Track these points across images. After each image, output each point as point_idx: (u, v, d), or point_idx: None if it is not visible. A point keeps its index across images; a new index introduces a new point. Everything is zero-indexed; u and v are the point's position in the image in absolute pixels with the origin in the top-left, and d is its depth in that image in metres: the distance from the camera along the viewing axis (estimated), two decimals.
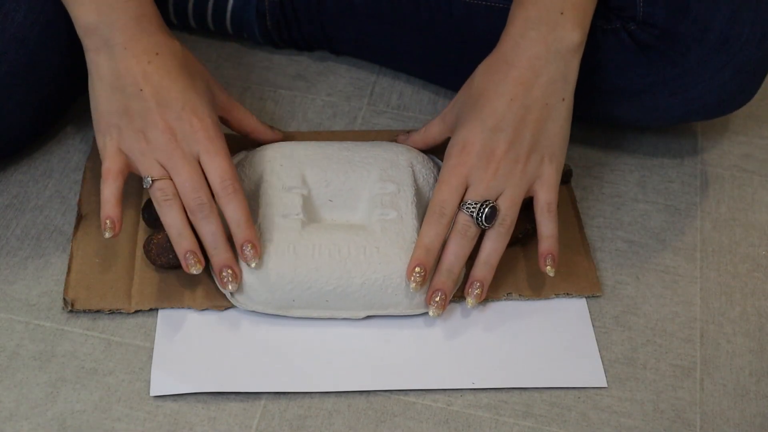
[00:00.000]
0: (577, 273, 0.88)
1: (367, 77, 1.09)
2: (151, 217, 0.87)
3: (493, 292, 0.86)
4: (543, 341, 0.84)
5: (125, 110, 0.82)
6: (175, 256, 0.84)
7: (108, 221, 0.80)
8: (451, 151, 0.85)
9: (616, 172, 1.00)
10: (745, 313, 0.88)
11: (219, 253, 0.81)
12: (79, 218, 0.90)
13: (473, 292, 0.83)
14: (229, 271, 0.81)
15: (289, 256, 0.82)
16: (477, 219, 0.82)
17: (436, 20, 0.99)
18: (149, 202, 0.87)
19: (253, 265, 0.81)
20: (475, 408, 0.79)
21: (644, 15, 0.89)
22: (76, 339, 0.82)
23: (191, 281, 0.85)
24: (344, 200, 0.88)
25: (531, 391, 0.81)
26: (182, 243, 0.81)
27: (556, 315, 0.86)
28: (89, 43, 0.83)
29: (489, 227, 0.82)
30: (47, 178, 0.95)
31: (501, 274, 0.87)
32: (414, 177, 0.89)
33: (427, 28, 1.00)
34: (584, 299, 0.87)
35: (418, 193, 0.88)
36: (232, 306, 0.84)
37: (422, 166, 0.90)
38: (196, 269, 0.81)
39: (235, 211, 0.81)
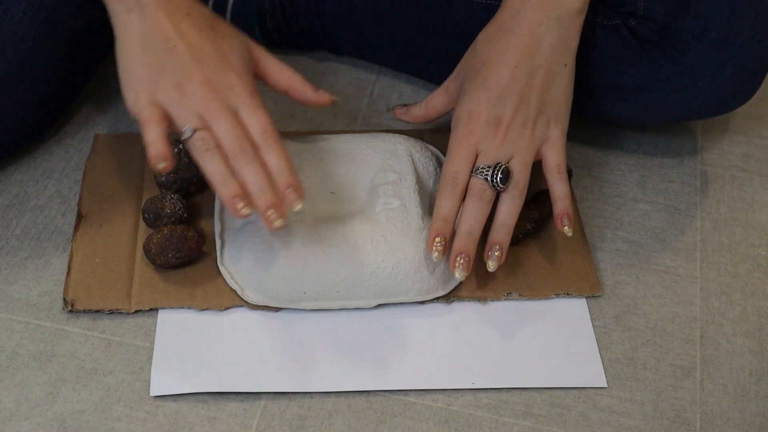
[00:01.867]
0: (577, 273, 0.88)
1: (367, 77, 1.09)
2: (151, 217, 0.87)
3: (493, 292, 0.86)
4: (543, 341, 0.84)
5: (159, 66, 0.80)
6: (175, 256, 0.84)
7: (161, 162, 0.77)
8: (458, 122, 0.85)
9: (616, 172, 1.00)
10: (745, 313, 0.88)
11: (264, 195, 0.78)
12: (79, 218, 0.90)
13: (493, 254, 0.84)
14: (274, 211, 0.79)
15: (298, 250, 0.82)
16: (492, 181, 0.83)
17: (436, 20, 0.99)
18: (149, 202, 0.87)
19: (297, 207, 0.78)
20: (475, 408, 0.79)
21: (644, 10, 0.90)
22: (76, 339, 0.82)
23: (191, 281, 0.85)
24: (346, 192, 0.89)
25: (531, 391, 0.81)
26: (228, 189, 0.78)
27: (556, 315, 0.86)
28: (118, 6, 0.81)
29: (503, 189, 0.83)
30: (47, 178, 0.95)
31: (501, 274, 0.87)
32: (414, 165, 0.89)
33: (427, 27, 1.00)
34: (584, 299, 0.87)
35: (419, 181, 0.89)
36: (232, 306, 0.84)
37: (421, 154, 0.91)
38: (247, 209, 0.78)
39: (277, 160, 0.79)
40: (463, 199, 0.84)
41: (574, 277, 0.88)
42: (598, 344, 0.84)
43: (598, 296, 0.87)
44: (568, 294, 0.87)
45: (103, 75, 1.06)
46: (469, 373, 0.81)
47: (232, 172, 0.79)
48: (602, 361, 0.83)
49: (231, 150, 0.79)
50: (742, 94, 0.94)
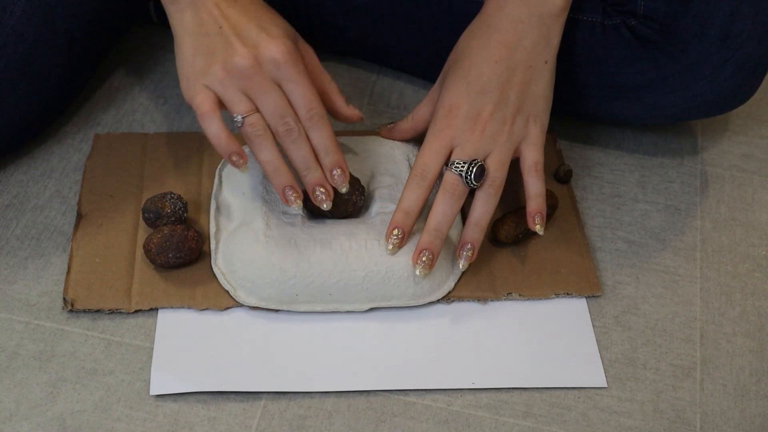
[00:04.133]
0: (577, 273, 0.88)
1: (367, 77, 1.09)
2: (151, 216, 0.87)
3: (493, 292, 0.86)
4: (543, 341, 0.84)
5: (209, 50, 0.82)
6: (175, 256, 0.84)
7: (234, 157, 0.81)
8: (437, 114, 0.85)
9: (616, 172, 1.00)
10: (745, 313, 0.88)
11: (311, 173, 0.82)
12: (79, 218, 0.90)
13: (464, 254, 0.84)
14: (322, 189, 0.82)
15: (291, 252, 0.82)
16: (466, 178, 0.82)
17: (436, 19, 0.99)
18: (149, 202, 0.87)
19: (343, 190, 0.82)
20: (475, 408, 0.79)
21: (645, 9, 0.90)
22: (76, 339, 0.82)
23: (191, 281, 0.85)
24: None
25: (531, 391, 0.81)
26: (279, 178, 0.82)
27: (556, 315, 0.86)
28: (175, 8, 0.84)
29: (477, 186, 0.83)
30: (47, 178, 0.95)
31: (501, 274, 0.87)
32: (411, 170, 0.89)
33: (427, 26, 1.00)
34: (584, 299, 0.87)
35: None
36: (232, 306, 0.84)
37: None
38: (297, 204, 0.82)
39: (322, 139, 0.81)
40: (431, 192, 0.83)
41: (574, 277, 0.88)
42: (598, 344, 0.84)
43: (598, 296, 0.87)
44: (568, 294, 0.87)
45: (103, 75, 1.06)
46: (469, 373, 0.81)
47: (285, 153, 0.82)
48: (602, 361, 0.83)
49: (277, 130, 0.81)
50: (743, 93, 0.94)
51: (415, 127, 0.91)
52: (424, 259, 0.82)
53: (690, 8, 0.88)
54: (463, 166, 0.82)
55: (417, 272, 0.82)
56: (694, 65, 0.90)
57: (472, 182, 0.82)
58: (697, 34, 0.88)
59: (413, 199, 0.83)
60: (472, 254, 0.84)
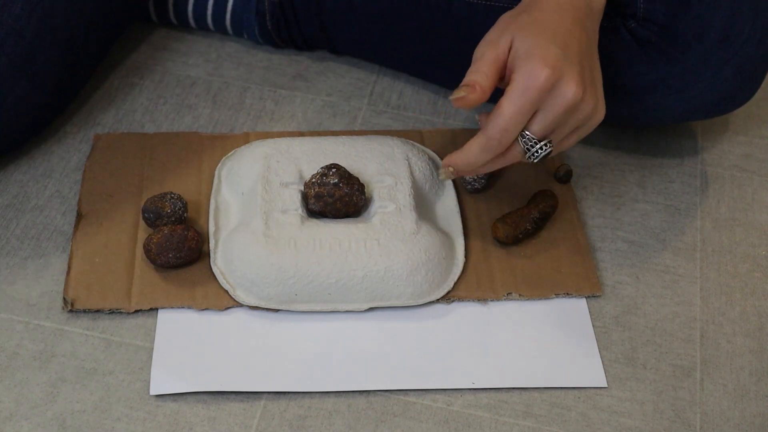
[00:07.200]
0: (577, 273, 0.88)
1: (367, 77, 1.09)
2: (151, 216, 0.87)
3: (493, 292, 0.86)
4: (543, 341, 0.84)
5: None
6: (175, 256, 0.84)
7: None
8: (522, 69, 0.78)
9: (616, 172, 1.00)
10: (745, 313, 0.88)
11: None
12: (79, 218, 0.90)
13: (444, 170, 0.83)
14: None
15: (290, 251, 0.82)
16: (528, 153, 0.81)
17: (436, 20, 0.99)
18: (149, 202, 0.87)
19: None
20: (475, 408, 0.79)
21: (644, 12, 0.89)
22: (76, 339, 0.82)
23: (191, 281, 0.85)
24: None
25: (531, 391, 0.81)
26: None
27: (556, 315, 0.86)
28: None
29: (532, 162, 0.82)
30: (47, 178, 0.95)
31: (501, 274, 0.87)
32: (410, 169, 0.89)
33: (427, 27, 1.00)
34: (584, 299, 0.87)
35: (414, 185, 0.88)
36: (232, 306, 0.84)
37: (418, 158, 0.91)
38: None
39: None
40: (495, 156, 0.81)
41: (574, 277, 0.88)
42: (598, 344, 0.84)
43: (598, 296, 0.87)
44: (568, 294, 0.87)
45: (103, 75, 1.06)
46: (469, 373, 0.81)
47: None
48: (602, 361, 0.83)
49: None
50: (743, 94, 0.94)
51: (489, 87, 0.81)
52: (450, 170, 0.82)
53: (689, 10, 0.88)
54: (533, 144, 0.80)
55: (440, 176, 0.83)
56: (693, 67, 0.90)
57: (532, 159, 0.81)
58: (696, 36, 0.88)
59: (479, 161, 0.80)
60: (454, 172, 0.83)
